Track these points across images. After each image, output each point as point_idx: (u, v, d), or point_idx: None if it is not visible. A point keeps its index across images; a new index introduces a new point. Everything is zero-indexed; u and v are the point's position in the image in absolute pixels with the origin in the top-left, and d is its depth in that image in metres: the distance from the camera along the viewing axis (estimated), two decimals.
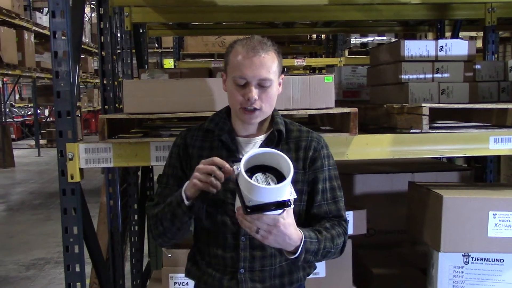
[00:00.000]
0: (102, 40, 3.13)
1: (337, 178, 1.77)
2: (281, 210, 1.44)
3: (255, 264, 1.70)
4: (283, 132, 1.72)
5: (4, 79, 14.86)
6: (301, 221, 1.68)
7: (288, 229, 1.48)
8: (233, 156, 1.67)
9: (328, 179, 1.74)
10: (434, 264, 2.29)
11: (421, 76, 2.59)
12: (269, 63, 1.64)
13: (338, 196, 1.76)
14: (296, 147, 1.73)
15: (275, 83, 1.68)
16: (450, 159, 4.18)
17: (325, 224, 1.70)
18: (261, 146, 1.69)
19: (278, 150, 1.49)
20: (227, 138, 1.71)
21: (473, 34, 7.16)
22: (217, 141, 1.73)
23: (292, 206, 1.45)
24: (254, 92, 1.62)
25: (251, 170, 1.45)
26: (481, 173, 3.86)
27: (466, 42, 2.66)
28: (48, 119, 16.51)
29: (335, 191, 1.75)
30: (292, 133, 1.76)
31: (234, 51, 1.66)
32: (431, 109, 2.17)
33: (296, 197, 1.47)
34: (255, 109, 1.64)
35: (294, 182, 1.68)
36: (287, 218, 1.47)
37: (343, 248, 1.73)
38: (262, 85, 1.63)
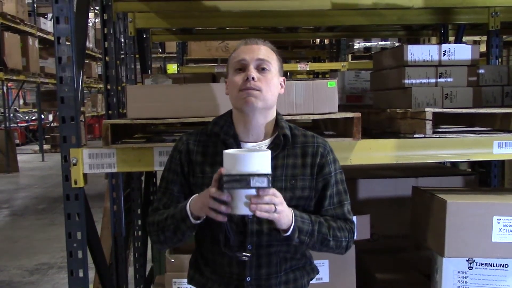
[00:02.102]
0: (106, 46, 3.14)
1: (343, 182, 1.78)
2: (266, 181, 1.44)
3: (262, 272, 1.69)
4: (288, 136, 1.71)
5: (9, 84, 14.91)
6: None
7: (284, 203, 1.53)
8: None
9: (335, 184, 1.75)
10: (438, 269, 2.29)
11: (425, 80, 2.59)
12: (268, 52, 1.70)
13: (344, 199, 1.77)
14: (303, 153, 1.73)
15: (275, 73, 1.69)
16: (454, 164, 4.17)
17: (327, 217, 1.71)
18: None
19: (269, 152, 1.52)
20: (232, 143, 1.69)
21: (476, 38, 7.18)
22: (221, 146, 1.70)
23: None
24: (253, 71, 1.65)
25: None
26: (486, 177, 3.85)
27: (470, 46, 2.66)
28: (52, 124, 16.53)
29: (341, 195, 1.76)
30: (298, 138, 1.75)
31: (235, 50, 1.72)
32: (434, 113, 2.16)
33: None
34: (255, 88, 1.64)
35: (301, 189, 1.68)
36: None
37: (348, 245, 1.73)
38: (261, 68, 1.66)
